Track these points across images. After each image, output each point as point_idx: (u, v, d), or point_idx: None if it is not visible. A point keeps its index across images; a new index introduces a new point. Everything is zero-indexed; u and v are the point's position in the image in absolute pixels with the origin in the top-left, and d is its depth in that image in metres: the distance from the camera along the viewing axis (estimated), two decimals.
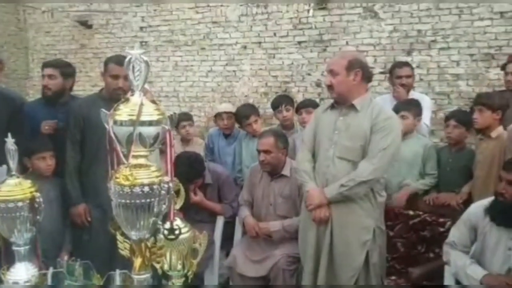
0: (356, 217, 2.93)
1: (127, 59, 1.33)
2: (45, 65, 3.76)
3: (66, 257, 2.93)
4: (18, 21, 7.95)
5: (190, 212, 3.35)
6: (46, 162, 3.28)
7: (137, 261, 1.40)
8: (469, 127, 3.66)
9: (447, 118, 3.80)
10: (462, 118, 3.68)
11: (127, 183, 1.30)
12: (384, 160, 2.87)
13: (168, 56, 6.93)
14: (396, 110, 3.60)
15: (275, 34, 6.38)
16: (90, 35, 7.49)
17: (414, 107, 3.80)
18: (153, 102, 1.37)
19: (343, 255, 2.94)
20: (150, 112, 1.33)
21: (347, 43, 6.02)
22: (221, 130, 4.62)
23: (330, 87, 2.97)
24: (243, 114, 4.35)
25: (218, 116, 4.60)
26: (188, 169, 3.51)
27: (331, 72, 2.94)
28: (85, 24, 7.44)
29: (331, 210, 2.93)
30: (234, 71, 6.68)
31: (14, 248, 1.70)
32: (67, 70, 3.72)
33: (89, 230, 3.35)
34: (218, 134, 4.65)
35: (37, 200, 1.67)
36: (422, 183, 3.72)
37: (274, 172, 3.55)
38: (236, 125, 4.63)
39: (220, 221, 3.82)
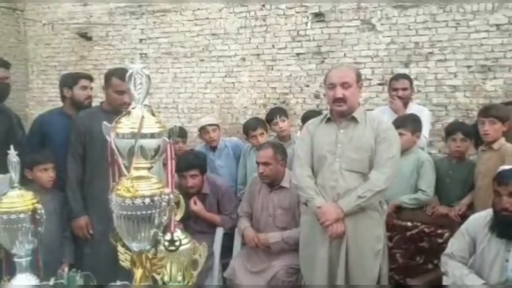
0: (369, 227, 2.93)
1: (128, 73, 1.36)
2: (85, 77, 3.86)
3: (66, 269, 2.95)
4: (18, 33, 7.99)
5: (190, 223, 3.37)
6: (48, 174, 3.30)
7: (138, 272, 1.42)
8: (471, 139, 3.67)
9: (452, 132, 3.77)
10: (469, 131, 3.69)
11: (128, 194, 1.32)
12: (393, 168, 2.89)
13: (167, 67, 6.96)
14: (394, 126, 3.58)
15: (273, 46, 6.42)
16: (89, 47, 7.53)
17: (411, 123, 3.75)
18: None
19: (360, 267, 2.91)
20: (151, 125, 1.36)
21: (345, 55, 6.05)
22: (208, 144, 4.60)
23: (340, 99, 2.90)
24: (251, 126, 4.38)
25: (202, 129, 4.58)
26: (191, 156, 3.77)
27: (345, 85, 2.89)
28: (85, 36, 7.48)
29: (345, 223, 2.88)
30: (233, 82, 6.70)
31: (16, 259, 1.72)
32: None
33: (91, 242, 3.36)
34: (204, 150, 4.56)
35: (39, 211, 1.69)
36: (412, 198, 3.63)
37: (273, 183, 3.56)
38: (223, 138, 4.70)
39: (219, 232, 3.82)
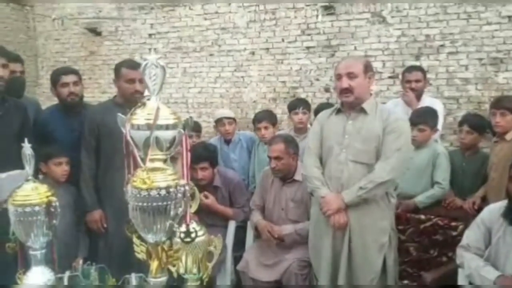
0: (373, 219, 2.92)
1: (143, 64, 1.35)
2: (65, 72, 3.67)
3: (81, 262, 2.96)
4: (28, 29, 8.02)
5: (202, 215, 3.37)
6: (62, 167, 3.30)
7: (154, 264, 1.42)
8: (482, 132, 3.65)
9: (460, 123, 3.79)
10: (475, 123, 3.68)
11: (144, 186, 1.31)
12: (399, 160, 2.87)
13: (177, 62, 6.96)
14: (414, 122, 3.57)
15: (283, 40, 6.41)
16: (99, 42, 7.55)
17: (431, 118, 3.75)
18: None
19: (362, 258, 2.92)
20: (166, 116, 1.35)
21: (355, 48, 6.02)
22: (223, 136, 4.61)
23: (347, 90, 2.90)
24: (257, 117, 4.38)
25: (219, 121, 4.60)
26: (201, 149, 3.74)
27: (350, 75, 2.89)
28: (94, 31, 7.50)
29: (348, 214, 2.89)
30: (242, 77, 6.70)
31: (31, 252, 1.72)
32: (82, 78, 3.76)
33: (105, 236, 3.36)
34: (219, 143, 4.60)
35: (54, 204, 1.69)
36: (428, 196, 3.61)
37: (286, 177, 3.55)
38: (237, 131, 4.68)
39: (232, 226, 3.82)
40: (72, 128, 3.51)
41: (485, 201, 3.45)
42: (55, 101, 3.83)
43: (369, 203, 2.89)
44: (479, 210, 3.07)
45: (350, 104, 2.95)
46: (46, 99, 7.77)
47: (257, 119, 4.34)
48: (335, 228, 2.91)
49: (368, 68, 2.97)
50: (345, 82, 2.89)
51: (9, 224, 1.69)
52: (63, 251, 3.00)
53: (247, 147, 4.55)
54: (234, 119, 4.62)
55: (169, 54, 6.97)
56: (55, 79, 3.63)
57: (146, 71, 1.35)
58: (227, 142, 4.60)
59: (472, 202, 3.52)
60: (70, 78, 3.59)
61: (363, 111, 2.94)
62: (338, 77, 2.95)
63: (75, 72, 3.74)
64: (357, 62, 3.01)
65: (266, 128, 4.27)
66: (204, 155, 3.70)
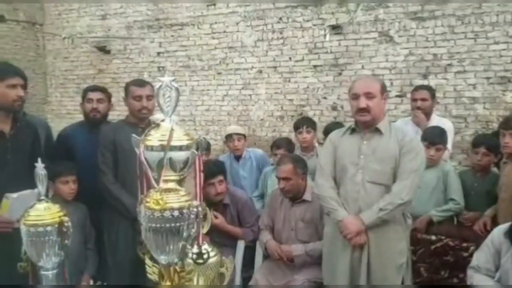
0: (392, 240, 2.89)
1: (157, 86, 1.36)
2: (92, 89, 3.84)
3: (89, 280, 2.95)
4: (37, 47, 8.12)
5: (212, 235, 3.35)
6: (69, 186, 3.30)
7: (166, 286, 1.41)
8: (498, 153, 3.63)
9: (476, 145, 3.74)
10: (492, 145, 3.65)
11: (157, 207, 1.31)
12: (416, 181, 2.86)
13: (185, 81, 7.01)
14: (432, 142, 3.61)
15: (290, 59, 6.44)
16: (108, 60, 7.62)
17: (445, 137, 3.78)
18: None
19: (381, 280, 2.88)
20: (180, 137, 1.36)
21: (362, 67, 6.05)
22: (232, 152, 4.63)
23: (364, 110, 2.87)
24: (275, 144, 4.42)
25: (228, 137, 4.63)
26: (211, 164, 3.79)
27: (368, 95, 2.87)
28: (103, 50, 7.58)
29: (368, 235, 2.86)
30: (250, 95, 6.73)
31: (42, 272, 1.71)
32: (109, 96, 3.87)
33: (114, 254, 3.35)
34: (228, 160, 4.61)
35: (66, 224, 1.69)
36: (443, 210, 3.61)
37: (295, 197, 3.54)
38: (248, 149, 4.71)
39: (241, 245, 3.79)
40: (93, 144, 3.50)
41: (494, 221, 3.43)
42: (62, 119, 3.87)
43: (387, 224, 2.86)
44: (489, 231, 3.05)
45: (366, 124, 2.94)
46: (54, 117, 7.84)
47: (276, 145, 4.37)
48: (355, 247, 2.88)
49: (384, 89, 2.97)
50: (363, 102, 2.87)
51: (21, 244, 1.69)
52: (72, 268, 3.01)
53: (257, 165, 4.55)
54: (244, 135, 4.64)
55: (178, 73, 7.02)
56: (83, 94, 3.81)
57: (160, 93, 1.36)
58: (237, 158, 4.61)
59: (482, 223, 3.49)
60: (95, 95, 3.73)
61: (378, 131, 2.92)
62: (355, 96, 2.92)
63: (102, 90, 3.86)
64: (374, 82, 3.01)
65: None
66: (217, 169, 3.75)
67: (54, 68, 8.12)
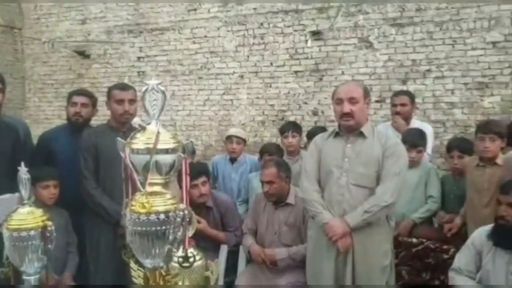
0: (376, 242, 2.92)
1: (143, 89, 1.36)
2: (77, 93, 3.82)
3: (71, 277, 2.92)
4: (16, 51, 8.02)
5: (197, 239, 3.34)
6: (49, 190, 3.26)
7: None
8: (470, 154, 3.68)
9: (450, 149, 3.81)
10: (465, 147, 3.71)
11: (143, 210, 1.30)
12: (399, 183, 2.90)
13: (165, 85, 6.91)
14: (413, 144, 3.68)
15: (271, 64, 6.47)
16: (87, 65, 7.56)
17: (425, 139, 3.88)
18: None
19: (366, 281, 2.90)
20: (166, 140, 1.35)
21: (342, 72, 6.10)
22: (229, 154, 4.64)
23: (348, 115, 2.92)
24: (266, 150, 4.37)
25: (228, 138, 4.65)
26: (195, 165, 3.79)
27: (352, 100, 2.91)
28: (83, 54, 7.52)
29: (352, 238, 2.88)
30: (231, 100, 6.74)
31: (24, 277, 1.69)
32: (95, 101, 3.83)
33: (95, 259, 3.32)
34: (223, 160, 4.67)
35: (49, 228, 1.67)
36: (423, 211, 3.70)
37: (278, 201, 3.55)
38: (245, 154, 4.72)
39: (224, 250, 3.78)
40: (75, 147, 3.47)
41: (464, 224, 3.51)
42: (40, 124, 3.83)
43: (371, 226, 2.89)
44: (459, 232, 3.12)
45: (349, 128, 2.97)
46: (32, 122, 7.72)
47: (266, 151, 4.34)
48: (342, 251, 2.90)
49: (367, 93, 3.02)
50: (347, 107, 2.91)
51: (3, 248, 1.66)
52: (54, 272, 2.98)
53: (250, 171, 4.56)
54: (244, 140, 4.64)
55: (158, 78, 6.97)
56: (68, 98, 3.79)
57: (146, 96, 1.36)
58: (232, 161, 4.63)
59: (451, 226, 3.56)
60: (80, 99, 3.70)
61: (361, 135, 2.96)
62: (339, 101, 2.96)
63: (88, 94, 3.83)
64: (357, 87, 3.05)
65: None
66: (200, 170, 3.74)
67: (33, 72, 8.02)
